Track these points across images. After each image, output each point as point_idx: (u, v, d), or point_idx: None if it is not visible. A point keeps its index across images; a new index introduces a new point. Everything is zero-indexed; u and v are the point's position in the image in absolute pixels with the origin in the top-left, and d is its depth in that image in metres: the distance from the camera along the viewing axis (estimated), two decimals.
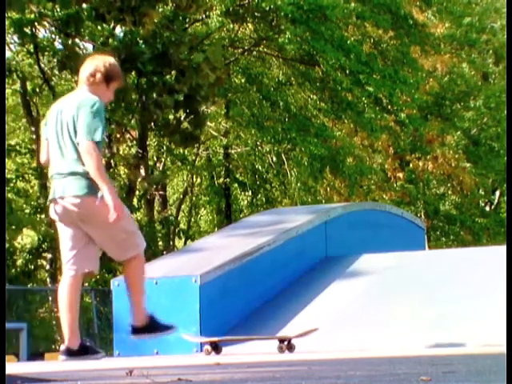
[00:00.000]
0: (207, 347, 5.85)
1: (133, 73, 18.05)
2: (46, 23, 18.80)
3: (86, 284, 19.84)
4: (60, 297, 5.59)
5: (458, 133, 27.80)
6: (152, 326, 5.58)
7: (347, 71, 21.35)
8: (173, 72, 17.80)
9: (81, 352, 5.53)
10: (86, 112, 5.44)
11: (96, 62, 5.70)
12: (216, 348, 5.87)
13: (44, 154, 5.78)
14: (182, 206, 27.04)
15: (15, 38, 20.03)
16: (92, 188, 5.46)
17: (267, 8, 20.15)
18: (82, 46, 19.17)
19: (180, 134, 17.55)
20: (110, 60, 5.76)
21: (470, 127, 28.28)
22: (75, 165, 5.49)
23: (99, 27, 18.27)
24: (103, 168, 5.64)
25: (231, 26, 21.90)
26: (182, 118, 17.82)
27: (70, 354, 5.51)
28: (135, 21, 16.84)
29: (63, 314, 5.55)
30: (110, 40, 18.21)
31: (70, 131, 5.53)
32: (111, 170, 21.07)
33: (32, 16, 17.62)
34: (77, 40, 18.20)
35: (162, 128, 18.22)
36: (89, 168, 5.42)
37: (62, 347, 5.57)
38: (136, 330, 5.58)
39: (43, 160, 5.81)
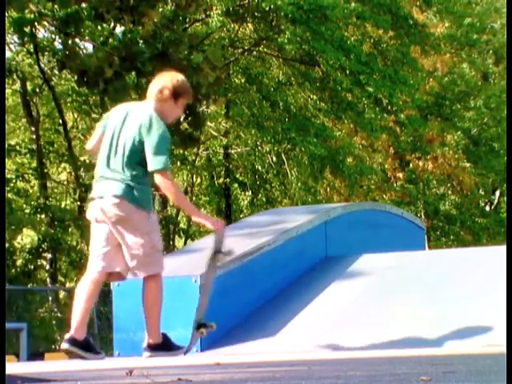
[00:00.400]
0: (201, 330, 5.81)
1: (133, 73, 18.06)
2: (45, 23, 18.81)
3: None
4: (80, 288, 5.65)
5: (459, 133, 27.79)
6: (165, 345, 5.64)
7: (347, 71, 21.35)
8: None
9: (83, 346, 5.53)
10: (152, 140, 5.50)
11: (164, 79, 5.77)
12: (205, 326, 5.79)
13: (94, 141, 5.83)
14: None
15: (15, 38, 20.05)
16: (133, 196, 5.53)
17: (267, 8, 20.15)
18: (82, 46, 19.19)
19: (179, 135, 17.54)
20: (179, 77, 5.85)
21: (470, 127, 28.28)
22: (121, 177, 5.55)
23: (99, 27, 18.29)
24: (182, 195, 5.95)
25: (231, 25, 21.90)
26: (182, 119, 17.82)
27: (74, 343, 5.51)
28: (134, 20, 16.85)
29: (78, 304, 5.59)
30: (110, 40, 18.22)
31: (125, 148, 5.59)
32: None
33: (32, 16, 17.63)
34: (77, 40, 18.21)
35: None
36: (170, 197, 5.79)
37: (67, 335, 5.56)
38: (150, 347, 5.64)
39: (90, 147, 5.87)
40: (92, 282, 5.64)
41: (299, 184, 24.02)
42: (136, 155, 5.56)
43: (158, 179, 5.51)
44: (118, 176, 5.56)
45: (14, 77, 20.42)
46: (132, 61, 17.20)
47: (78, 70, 17.55)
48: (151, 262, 5.61)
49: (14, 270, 19.20)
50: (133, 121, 5.64)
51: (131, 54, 17.15)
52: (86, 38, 18.38)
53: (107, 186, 5.58)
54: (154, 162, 5.49)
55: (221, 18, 20.86)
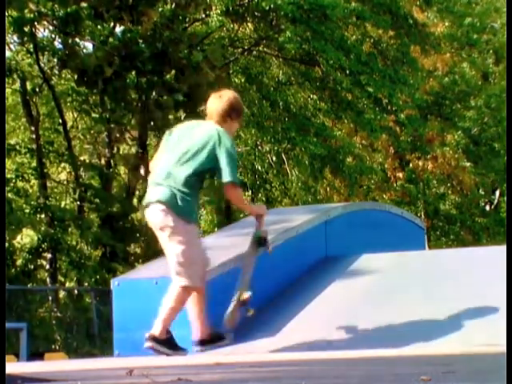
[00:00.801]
0: (249, 308, 5.94)
1: (133, 72, 18.06)
2: (45, 22, 18.80)
3: (86, 284, 19.85)
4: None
5: (459, 132, 27.80)
6: (168, 343, 5.69)
7: (347, 71, 21.34)
8: (172, 71, 17.79)
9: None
10: (228, 154, 5.67)
11: (229, 99, 5.88)
12: (246, 303, 5.99)
13: (158, 160, 5.94)
14: None
15: (15, 37, 20.04)
16: (177, 204, 5.60)
17: (267, 8, 20.14)
18: (81, 45, 19.17)
19: None
20: (237, 95, 6.02)
21: (470, 127, 28.27)
22: (177, 187, 5.63)
23: (99, 26, 18.28)
24: (244, 201, 6.20)
25: (231, 25, 21.90)
26: (182, 118, 17.81)
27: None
28: (133, 19, 16.85)
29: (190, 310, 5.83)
30: (110, 39, 18.22)
31: (186, 160, 5.69)
32: (111, 169, 21.07)
33: (31, 15, 17.62)
34: (77, 39, 18.20)
35: (162, 128, 18.21)
36: (235, 204, 6.09)
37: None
38: (153, 339, 5.68)
39: (155, 166, 5.97)
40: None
41: (299, 184, 24.02)
42: (194, 167, 5.67)
43: (230, 191, 5.71)
44: (167, 183, 5.65)
45: (14, 76, 20.43)
46: (132, 60, 17.23)
47: (77, 69, 17.58)
48: (183, 273, 5.66)
49: (13, 270, 19.18)
50: (198, 135, 5.75)
51: (131, 54, 17.18)
52: (86, 37, 18.37)
53: (155, 192, 5.70)
54: (228, 175, 5.64)
55: (220, 18, 20.85)
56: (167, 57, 17.11)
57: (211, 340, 5.87)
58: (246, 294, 5.91)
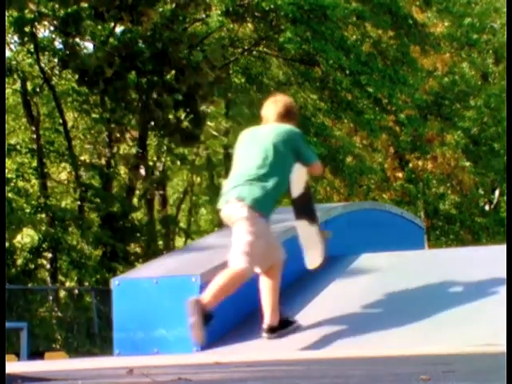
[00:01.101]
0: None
1: (133, 72, 18.07)
2: (45, 23, 18.82)
3: (87, 283, 19.86)
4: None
5: (458, 132, 27.78)
6: (207, 318, 5.74)
7: (347, 71, 21.34)
8: (172, 71, 17.80)
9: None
10: (302, 141, 6.19)
11: (283, 102, 6.30)
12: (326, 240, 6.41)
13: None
14: (182, 206, 27.06)
15: (15, 38, 20.05)
16: (257, 201, 5.85)
17: (267, 8, 20.14)
18: (82, 46, 19.17)
19: (180, 133, 17.58)
20: (291, 99, 6.61)
21: (469, 127, 28.26)
22: (262, 182, 5.90)
23: (99, 26, 18.30)
24: None
25: (231, 25, 21.90)
26: (182, 118, 17.84)
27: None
28: (133, 20, 16.86)
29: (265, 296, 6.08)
30: (111, 39, 18.23)
31: (268, 155, 5.99)
32: (111, 169, 21.08)
33: (32, 16, 17.63)
34: (77, 39, 18.21)
35: (162, 128, 18.24)
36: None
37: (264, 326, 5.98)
38: (201, 306, 5.71)
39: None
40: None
41: None
42: (273, 163, 5.94)
43: (318, 168, 6.34)
44: (246, 183, 5.90)
45: (15, 76, 20.44)
46: (132, 60, 17.25)
47: (78, 69, 17.59)
48: (244, 261, 5.86)
49: (14, 270, 19.19)
50: (268, 136, 6.09)
51: (131, 54, 17.19)
52: (87, 37, 18.39)
53: (234, 192, 5.92)
54: (313, 156, 6.24)
55: (220, 18, 20.85)
56: (167, 57, 17.12)
57: (281, 327, 6.06)
58: (329, 233, 6.47)
